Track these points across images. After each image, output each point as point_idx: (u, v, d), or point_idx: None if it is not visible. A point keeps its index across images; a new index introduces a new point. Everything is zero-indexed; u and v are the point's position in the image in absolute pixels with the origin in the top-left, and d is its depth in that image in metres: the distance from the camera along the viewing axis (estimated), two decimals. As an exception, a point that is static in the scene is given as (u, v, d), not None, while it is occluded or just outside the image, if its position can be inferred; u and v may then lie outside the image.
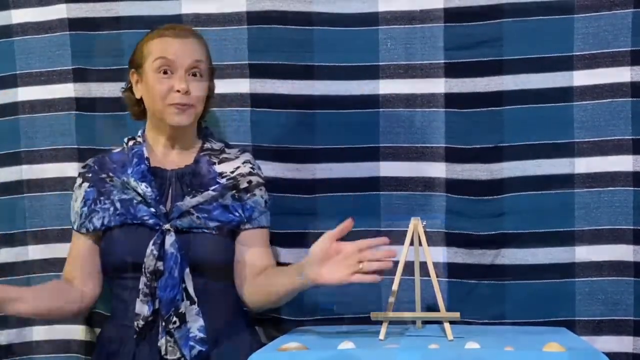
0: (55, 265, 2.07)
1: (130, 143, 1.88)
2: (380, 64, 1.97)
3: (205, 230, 1.78)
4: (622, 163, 1.90)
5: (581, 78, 1.90)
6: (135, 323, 1.74)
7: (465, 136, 1.95)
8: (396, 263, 1.60)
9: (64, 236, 2.06)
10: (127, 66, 2.01)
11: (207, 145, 1.88)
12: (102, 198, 1.82)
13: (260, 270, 1.82)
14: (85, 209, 1.83)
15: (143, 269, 1.74)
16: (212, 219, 1.79)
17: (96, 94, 2.06)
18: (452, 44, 1.95)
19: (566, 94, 1.91)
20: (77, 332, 2.06)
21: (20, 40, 2.07)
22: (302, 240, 1.99)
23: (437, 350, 1.47)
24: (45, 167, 2.08)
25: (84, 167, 1.89)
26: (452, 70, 1.95)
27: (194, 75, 1.81)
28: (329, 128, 1.98)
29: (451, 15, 1.94)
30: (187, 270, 1.75)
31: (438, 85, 1.96)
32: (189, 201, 1.78)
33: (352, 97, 1.98)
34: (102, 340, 1.85)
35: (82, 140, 2.07)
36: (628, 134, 1.89)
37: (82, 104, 2.06)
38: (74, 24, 2.05)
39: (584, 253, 1.91)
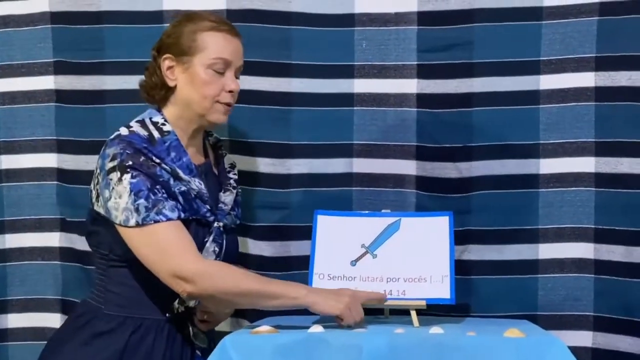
0: (32, 253, 2.10)
1: (154, 130, 1.73)
2: (355, 63, 2.03)
3: (234, 227, 1.82)
4: (585, 164, 1.96)
5: (547, 82, 1.97)
6: (176, 306, 1.71)
7: (435, 135, 2.01)
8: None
9: (41, 225, 2.10)
10: (107, 60, 2.06)
11: (206, 141, 1.87)
12: (157, 186, 1.67)
13: None
14: (142, 200, 1.64)
15: None
16: (237, 217, 1.84)
17: (76, 87, 2.09)
18: (424, 46, 2.01)
19: (533, 97, 1.97)
20: (53, 319, 2.08)
21: (1, 32, 2.10)
22: (276, 234, 2.04)
23: (403, 334, 1.52)
24: (24, 158, 2.11)
25: (113, 159, 1.66)
26: (424, 72, 2.01)
27: (236, 76, 1.80)
28: (305, 124, 2.03)
29: (424, 18, 2.00)
30: None
31: (410, 86, 2.02)
32: (228, 199, 1.80)
33: (328, 95, 2.03)
34: (93, 329, 1.71)
35: (61, 131, 2.10)
36: (591, 137, 1.96)
37: (62, 96, 2.09)
38: (55, 17, 2.08)
39: (547, 250, 1.98)
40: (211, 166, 1.84)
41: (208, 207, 1.74)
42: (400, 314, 1.79)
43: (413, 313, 1.68)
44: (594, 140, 1.96)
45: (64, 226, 2.10)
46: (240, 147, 2.04)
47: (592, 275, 1.96)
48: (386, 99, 2.03)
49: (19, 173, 2.11)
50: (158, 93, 1.78)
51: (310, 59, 2.03)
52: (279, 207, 2.04)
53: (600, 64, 1.94)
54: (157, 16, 2.06)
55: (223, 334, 1.71)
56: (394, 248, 1.81)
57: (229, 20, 1.98)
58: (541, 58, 1.97)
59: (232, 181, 1.85)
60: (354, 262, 1.81)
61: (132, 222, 1.64)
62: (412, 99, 2.02)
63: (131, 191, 1.64)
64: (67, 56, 2.09)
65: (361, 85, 2.03)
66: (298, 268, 1.99)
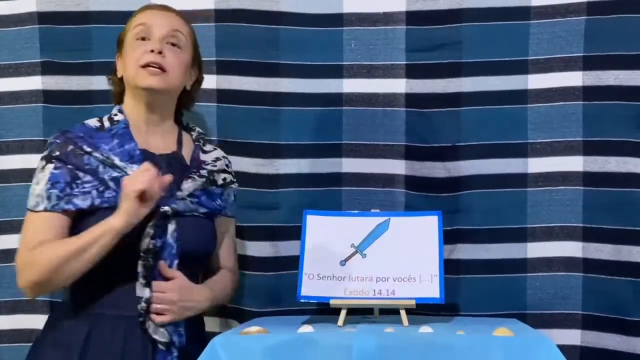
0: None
1: (106, 121, 1.78)
2: (344, 63, 2.03)
3: (196, 214, 1.77)
4: (573, 163, 1.97)
5: (535, 81, 1.98)
6: (139, 306, 1.67)
7: (424, 135, 2.02)
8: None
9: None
10: (95, 60, 2.05)
11: (186, 133, 1.86)
12: (80, 174, 1.70)
13: (222, 261, 1.87)
14: (55, 190, 1.69)
15: (141, 252, 1.67)
16: (201, 205, 1.78)
17: (64, 87, 2.08)
18: (413, 46, 2.01)
19: (521, 96, 1.98)
20: (41, 321, 2.05)
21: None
22: (265, 234, 2.04)
23: (392, 333, 1.52)
24: (11, 159, 2.10)
25: (46, 149, 1.75)
26: (412, 71, 2.01)
27: (173, 44, 1.77)
28: (293, 124, 2.03)
29: (413, 18, 2.01)
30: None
31: (399, 86, 2.02)
32: (187, 186, 1.76)
33: (316, 95, 2.03)
34: (61, 329, 1.73)
35: (49, 132, 2.09)
36: (579, 136, 1.97)
37: (49, 96, 2.08)
38: (43, 17, 2.07)
39: (535, 249, 1.98)
40: (179, 156, 1.81)
41: None
42: (390, 313, 1.78)
43: (402, 312, 1.68)
44: (581, 139, 1.97)
45: (52, 228, 2.08)
46: (228, 147, 2.03)
47: (581, 274, 1.97)
48: (375, 98, 2.03)
49: (6, 174, 2.10)
50: (117, 90, 1.85)
51: (299, 59, 2.03)
52: (268, 208, 2.04)
53: (588, 63, 1.95)
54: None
55: (212, 334, 1.71)
56: (383, 247, 1.81)
57: (216, 20, 2.00)
58: (529, 57, 1.98)
59: (203, 171, 1.81)
60: (343, 262, 1.80)
61: (41, 207, 1.69)
62: (401, 98, 2.02)
63: (49, 180, 1.70)
64: (55, 56, 2.08)
65: (350, 85, 2.03)
66: (287, 268, 1.99)
